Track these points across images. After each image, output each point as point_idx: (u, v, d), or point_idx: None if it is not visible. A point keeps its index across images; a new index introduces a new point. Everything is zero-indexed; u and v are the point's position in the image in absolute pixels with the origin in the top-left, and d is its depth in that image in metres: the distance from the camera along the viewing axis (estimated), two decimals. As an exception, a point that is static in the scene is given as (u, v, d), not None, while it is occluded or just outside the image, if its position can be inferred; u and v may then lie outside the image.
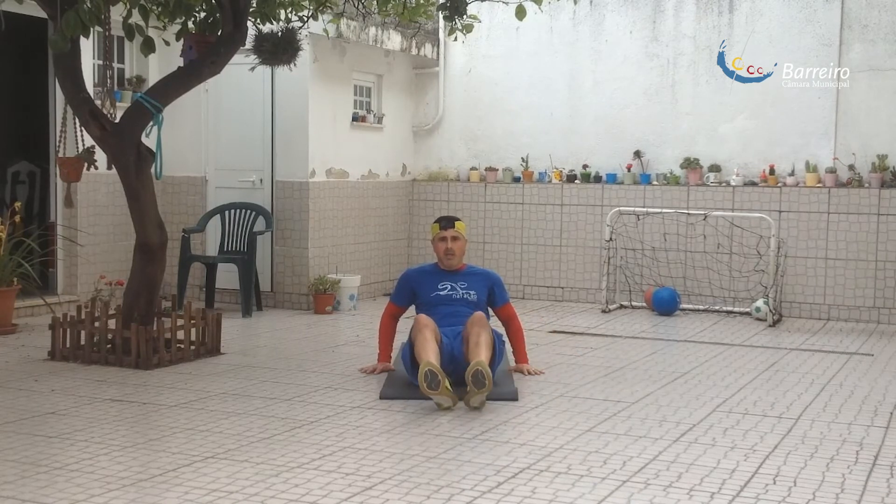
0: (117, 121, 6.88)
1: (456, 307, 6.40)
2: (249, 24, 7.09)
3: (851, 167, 9.45)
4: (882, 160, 9.33)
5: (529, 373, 6.60)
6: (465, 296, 6.49)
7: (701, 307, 9.74)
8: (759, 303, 9.30)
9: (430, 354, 5.73)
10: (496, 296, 6.66)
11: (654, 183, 10.12)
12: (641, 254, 10.05)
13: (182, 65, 7.07)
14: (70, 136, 7.17)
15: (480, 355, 5.72)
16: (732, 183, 9.82)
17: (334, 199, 9.87)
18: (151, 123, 6.84)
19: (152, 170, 6.94)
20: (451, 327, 6.22)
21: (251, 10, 7.13)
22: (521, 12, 6.94)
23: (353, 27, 9.46)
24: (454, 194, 10.91)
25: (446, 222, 6.63)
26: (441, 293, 6.49)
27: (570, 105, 10.54)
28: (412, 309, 6.72)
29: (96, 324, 6.89)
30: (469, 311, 6.29)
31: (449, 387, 5.54)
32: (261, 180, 9.65)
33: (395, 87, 10.82)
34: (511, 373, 6.57)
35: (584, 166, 10.42)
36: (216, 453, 4.66)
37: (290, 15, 7.52)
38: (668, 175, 10.07)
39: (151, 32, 7.07)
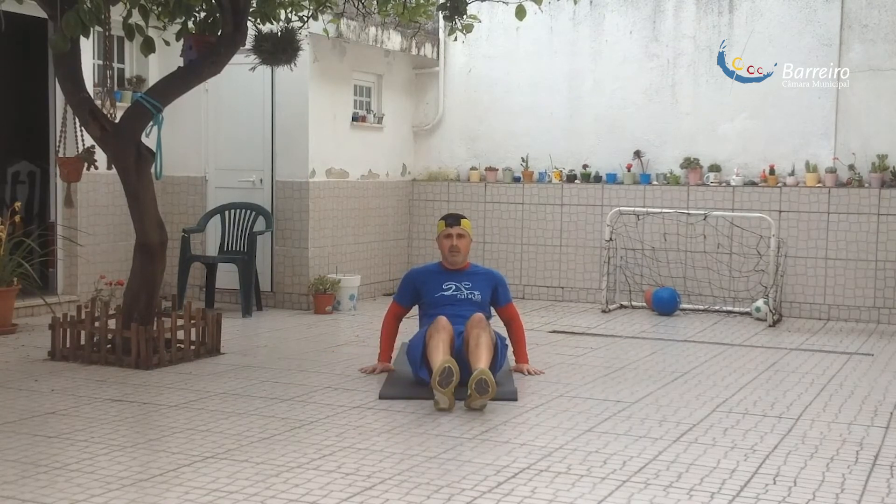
0: (117, 121, 6.88)
1: (460, 307, 6.40)
2: (249, 24, 7.09)
3: (851, 167, 9.45)
4: (882, 160, 9.33)
5: (530, 373, 6.60)
6: (469, 296, 6.49)
7: (701, 307, 9.74)
8: (759, 303, 9.30)
9: (441, 358, 5.72)
10: (500, 295, 6.67)
11: (654, 183, 10.12)
12: (641, 254, 10.05)
13: (182, 65, 7.07)
14: (70, 136, 7.17)
15: (481, 358, 5.71)
16: (732, 183, 9.82)
17: (334, 199, 9.87)
18: (151, 123, 6.84)
19: (152, 170, 6.94)
20: (454, 327, 6.21)
21: (251, 10, 7.12)
22: (521, 12, 6.95)
23: (353, 27, 9.46)
24: (454, 194, 10.91)
25: (452, 219, 6.66)
26: (445, 293, 6.50)
27: (570, 105, 10.54)
28: (414, 309, 6.74)
29: (96, 324, 6.88)
30: (473, 310, 6.28)
31: (453, 390, 5.54)
32: (261, 180, 9.65)
33: (395, 87, 10.82)
34: (511, 373, 6.57)
35: (584, 166, 10.42)
36: (216, 453, 4.66)
37: (290, 15, 7.51)
38: (668, 175, 10.07)
39: (151, 32, 7.07)
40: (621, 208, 10.00)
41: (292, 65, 7.40)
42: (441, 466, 4.51)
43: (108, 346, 6.84)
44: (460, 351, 6.03)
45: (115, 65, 8.45)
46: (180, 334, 6.95)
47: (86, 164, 6.97)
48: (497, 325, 6.56)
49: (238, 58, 7.26)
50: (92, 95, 7.08)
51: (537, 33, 10.58)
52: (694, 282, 9.89)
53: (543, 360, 7.07)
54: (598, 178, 10.35)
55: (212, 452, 4.67)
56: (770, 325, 8.93)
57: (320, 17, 7.87)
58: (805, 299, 9.58)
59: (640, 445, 4.91)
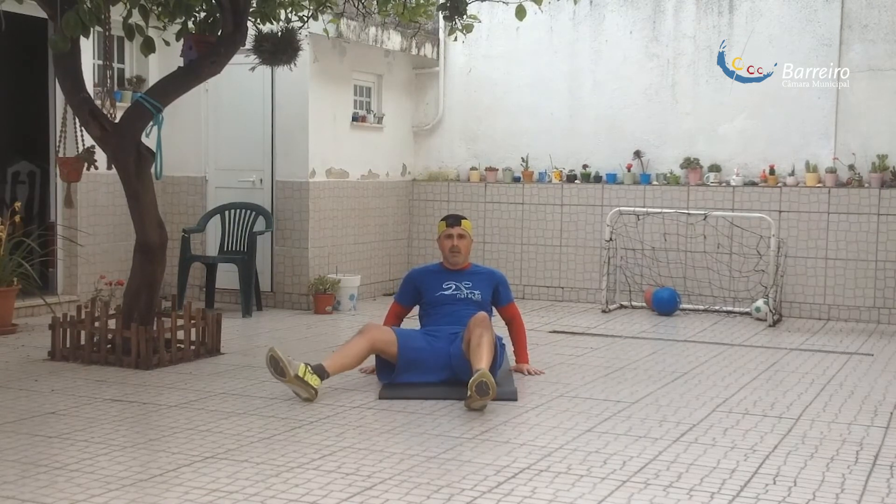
0: (117, 121, 6.88)
1: (461, 307, 6.41)
2: (249, 24, 7.09)
3: (851, 167, 9.45)
4: (882, 160, 9.33)
5: (530, 373, 6.61)
6: (469, 295, 6.50)
7: (701, 307, 9.74)
8: (759, 303, 9.30)
9: (333, 358, 5.92)
10: (500, 295, 6.67)
11: (654, 183, 10.12)
12: (641, 254, 10.05)
13: (182, 65, 7.07)
14: (70, 136, 7.17)
15: (482, 358, 5.70)
16: (732, 183, 9.82)
17: (334, 199, 9.87)
18: (151, 123, 6.84)
19: (152, 170, 6.94)
20: (454, 326, 6.23)
21: (251, 10, 7.13)
22: (521, 12, 6.95)
23: (353, 27, 9.46)
24: (454, 194, 10.91)
25: (453, 220, 6.68)
26: (446, 292, 6.51)
27: (570, 105, 10.54)
28: (415, 309, 6.75)
29: (96, 324, 6.88)
30: (474, 310, 6.29)
31: (304, 376, 5.63)
32: (261, 180, 9.65)
33: (395, 87, 10.82)
34: (511, 373, 6.57)
35: (584, 166, 10.42)
36: (216, 453, 4.66)
37: (290, 15, 7.51)
38: (668, 175, 10.07)
39: (151, 32, 7.07)
40: (621, 208, 10.00)
41: (292, 65, 7.40)
42: (441, 466, 4.51)
43: (108, 346, 6.84)
44: (447, 352, 6.08)
45: (115, 65, 8.46)
46: (180, 334, 6.95)
47: (86, 164, 6.97)
48: (498, 324, 6.56)
49: (238, 58, 7.26)
50: (92, 95, 7.08)
51: (537, 33, 10.58)
52: (694, 282, 9.89)
53: (543, 360, 7.06)
54: (598, 178, 10.35)
55: (212, 452, 4.67)
56: (770, 325, 8.93)
57: (320, 17, 7.86)
58: (805, 299, 9.58)
59: (640, 445, 4.92)
